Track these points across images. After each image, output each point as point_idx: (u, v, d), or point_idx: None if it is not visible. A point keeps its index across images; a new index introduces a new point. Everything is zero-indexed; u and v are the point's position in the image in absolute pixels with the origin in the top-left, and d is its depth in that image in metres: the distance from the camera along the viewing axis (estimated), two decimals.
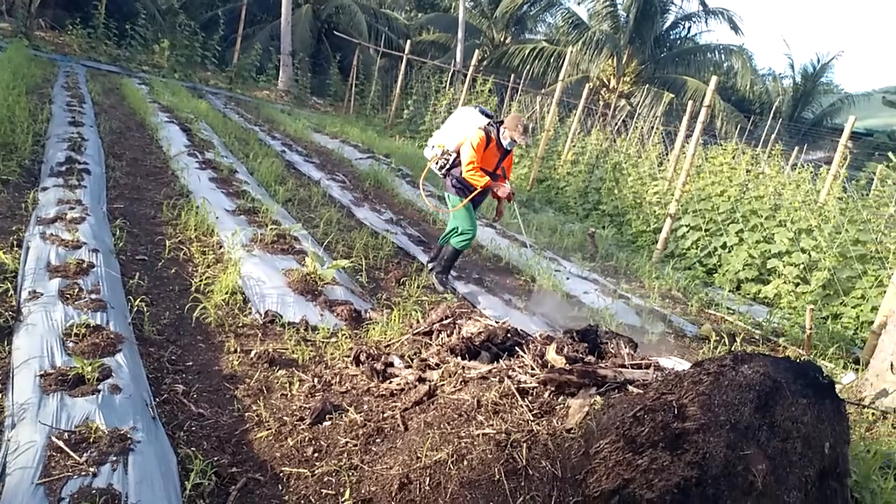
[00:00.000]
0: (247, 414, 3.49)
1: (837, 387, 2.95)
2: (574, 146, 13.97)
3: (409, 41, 20.81)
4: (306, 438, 3.25)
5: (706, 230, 9.68)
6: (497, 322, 4.33)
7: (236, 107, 17.69)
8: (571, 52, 15.46)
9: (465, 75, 16.59)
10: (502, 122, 5.99)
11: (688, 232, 9.85)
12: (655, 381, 3.11)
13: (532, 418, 3.05)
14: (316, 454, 3.14)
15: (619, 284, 7.84)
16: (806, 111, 31.24)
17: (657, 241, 9.60)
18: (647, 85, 25.93)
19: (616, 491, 2.63)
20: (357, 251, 6.62)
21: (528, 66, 25.99)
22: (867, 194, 10.20)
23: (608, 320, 6.17)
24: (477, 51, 18.78)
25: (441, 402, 3.32)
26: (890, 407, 4.99)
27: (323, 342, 4.49)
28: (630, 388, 3.20)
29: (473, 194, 5.99)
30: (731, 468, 2.61)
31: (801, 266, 8.44)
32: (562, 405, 3.12)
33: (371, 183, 10.73)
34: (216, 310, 4.63)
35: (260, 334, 4.48)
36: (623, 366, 3.57)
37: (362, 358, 4.01)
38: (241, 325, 4.59)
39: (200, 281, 5.05)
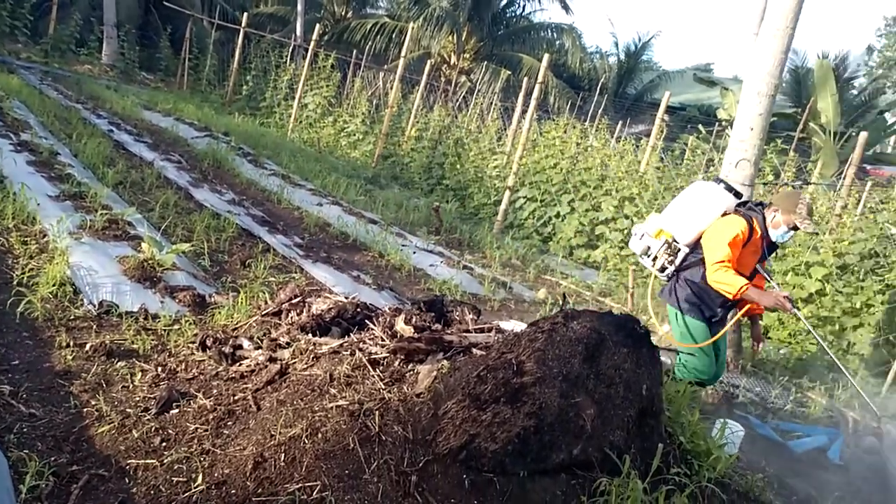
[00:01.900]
0: (85, 410, 3.33)
1: (654, 336, 3.32)
2: (417, 122, 14.19)
3: (245, 13, 19.98)
4: (153, 429, 3.17)
5: (541, 201, 10.25)
6: (347, 298, 4.40)
7: (54, 83, 16.19)
8: (413, 28, 15.60)
9: (307, 50, 16.26)
10: (762, 203, 4.23)
11: (525, 203, 10.39)
12: (497, 342, 3.33)
13: (384, 387, 3.17)
14: (164, 443, 3.07)
15: (464, 256, 8.15)
16: (629, 87, 33.55)
17: (497, 213, 10.04)
18: (486, 62, 26.69)
19: (463, 446, 2.83)
20: (198, 234, 6.39)
21: (370, 42, 25.86)
22: (681, 163, 11.26)
23: (453, 290, 6.42)
24: (318, 25, 18.44)
25: (293, 379, 3.36)
26: None
27: (165, 330, 4.34)
28: (474, 350, 3.41)
29: (732, 323, 4.17)
30: (564, 415, 2.89)
31: (625, 231, 9.21)
32: (412, 372, 3.27)
33: (210, 162, 10.31)
34: (43, 303, 4.32)
35: (95, 326, 4.25)
36: (467, 331, 3.79)
37: (209, 343, 3.93)
38: (72, 317, 4.32)
39: (23, 273, 4.67)
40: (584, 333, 3.08)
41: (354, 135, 14.48)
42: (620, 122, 16.94)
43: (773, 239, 4.14)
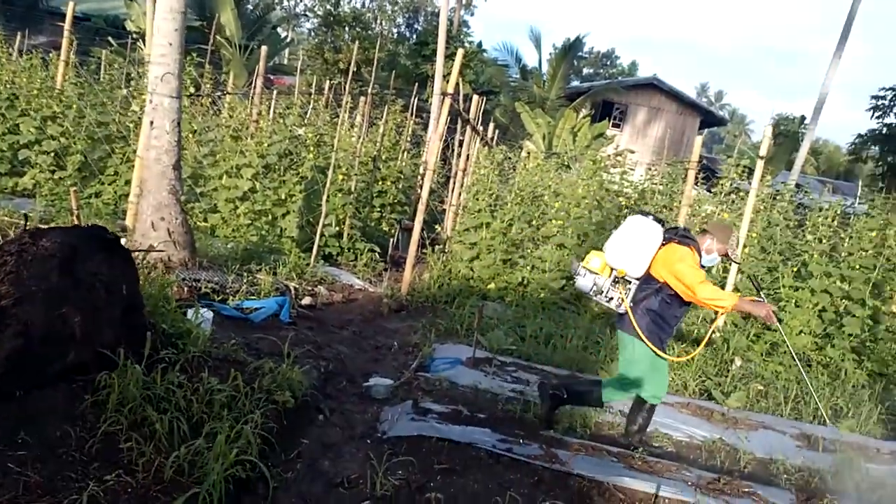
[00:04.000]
0: None
1: (123, 241, 3.57)
2: None
3: None
4: None
5: None
6: None
7: None
8: None
9: None
10: (687, 229, 4.48)
11: None
12: None
13: None
14: None
15: None
16: None
17: None
18: None
19: None
20: None
21: None
22: (99, 78, 10.88)
23: None
24: None
25: None
26: (157, 256, 6.01)
27: None
28: None
29: (709, 336, 4.53)
30: (52, 328, 3.00)
31: (54, 153, 8.67)
32: None
33: None
34: None
35: None
36: None
37: None
38: None
39: None
40: (56, 248, 3.16)
41: None
42: (19, 34, 14.99)
43: (702, 263, 4.43)
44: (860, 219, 8.43)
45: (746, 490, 4.09)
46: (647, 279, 4.45)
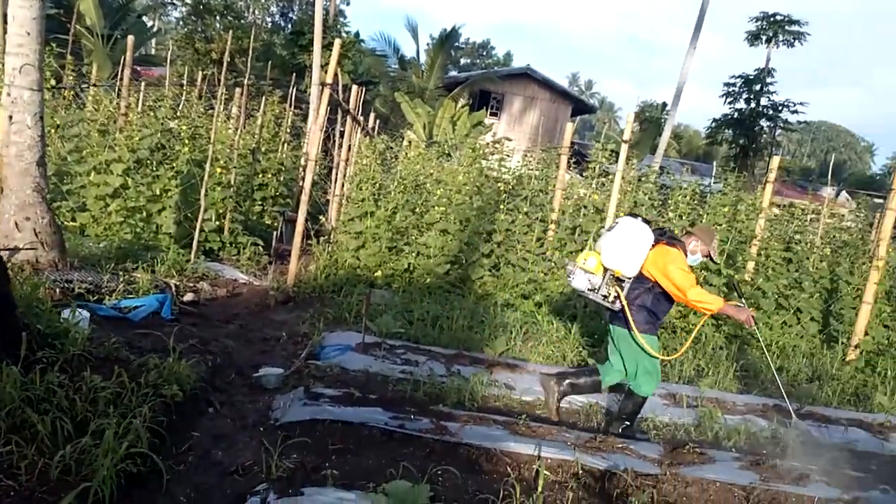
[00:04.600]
0: None
1: None
2: None
3: None
4: None
5: None
6: None
7: None
8: None
9: None
10: (669, 231, 4.87)
11: None
12: None
13: None
14: None
15: None
16: None
17: None
18: None
19: None
20: None
21: None
22: None
23: None
24: None
25: None
26: (24, 258, 5.70)
27: None
28: None
29: (695, 334, 5.11)
30: None
31: None
32: None
33: None
34: None
35: None
36: None
37: None
38: None
39: None
40: None
41: None
42: None
43: (688, 263, 4.73)
44: (715, 196, 9.23)
45: (620, 445, 4.46)
46: (638, 278, 4.77)
